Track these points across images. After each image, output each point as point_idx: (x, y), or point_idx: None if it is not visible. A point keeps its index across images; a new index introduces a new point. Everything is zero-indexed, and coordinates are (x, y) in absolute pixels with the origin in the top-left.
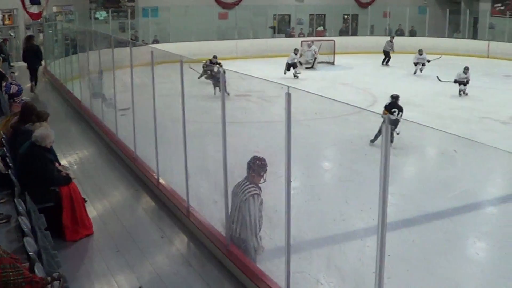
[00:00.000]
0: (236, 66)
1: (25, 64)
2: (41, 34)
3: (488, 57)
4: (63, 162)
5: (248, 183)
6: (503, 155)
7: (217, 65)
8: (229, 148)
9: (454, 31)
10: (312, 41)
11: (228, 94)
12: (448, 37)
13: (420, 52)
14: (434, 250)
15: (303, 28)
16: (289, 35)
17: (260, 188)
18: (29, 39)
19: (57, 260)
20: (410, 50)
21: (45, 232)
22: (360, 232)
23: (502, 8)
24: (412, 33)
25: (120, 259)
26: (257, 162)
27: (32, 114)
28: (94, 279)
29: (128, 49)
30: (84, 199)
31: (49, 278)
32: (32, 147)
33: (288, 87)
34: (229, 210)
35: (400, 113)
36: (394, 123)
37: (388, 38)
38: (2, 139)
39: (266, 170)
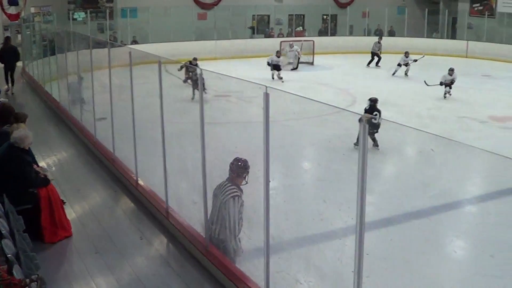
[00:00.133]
0: (215, 67)
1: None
2: (19, 35)
3: (466, 57)
4: (42, 163)
5: (229, 184)
6: (482, 154)
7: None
8: (207, 149)
9: (433, 31)
10: (292, 41)
11: (206, 92)
12: (427, 37)
13: (406, 54)
14: (412, 248)
15: (282, 28)
16: (268, 35)
17: (241, 190)
18: (7, 40)
19: (35, 262)
20: (389, 50)
21: (24, 234)
22: (339, 231)
23: (481, 8)
24: (391, 33)
25: (99, 260)
26: (239, 163)
27: (10, 115)
28: (73, 281)
29: (106, 50)
30: (62, 200)
31: (27, 280)
32: (10, 148)
33: (266, 87)
34: (209, 211)
35: (380, 116)
36: (377, 127)
37: (376, 39)
38: None
39: (248, 172)
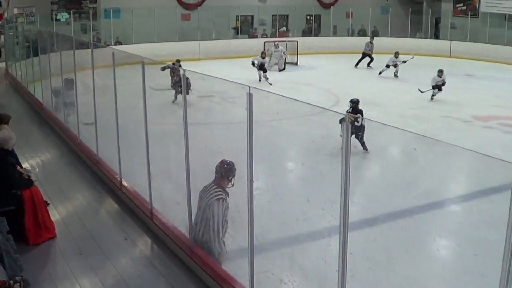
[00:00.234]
0: (199, 67)
1: None
2: (2, 36)
3: (450, 57)
4: (25, 165)
5: (215, 187)
6: (465, 153)
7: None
8: (191, 149)
9: (417, 31)
10: (277, 41)
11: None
12: (411, 37)
13: (396, 54)
14: (396, 248)
15: (266, 29)
16: (252, 36)
17: (227, 193)
18: None
19: (19, 264)
20: (372, 50)
21: (7, 235)
22: (323, 231)
23: (464, 8)
24: (375, 33)
25: (84, 262)
26: (225, 166)
27: None
28: (57, 282)
29: (89, 50)
30: (46, 202)
31: (11, 282)
32: None
33: (249, 87)
34: (194, 211)
35: (363, 118)
36: (362, 129)
37: (368, 39)
38: None
39: (235, 174)
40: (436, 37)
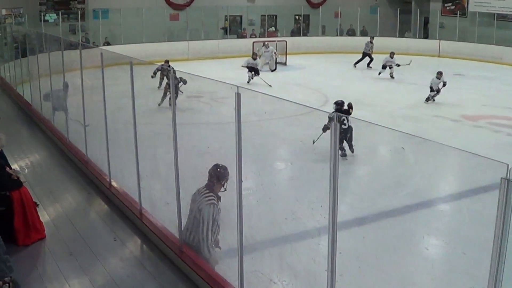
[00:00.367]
0: (187, 68)
1: None
2: None
3: (439, 56)
4: (14, 166)
5: (207, 191)
6: (454, 152)
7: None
8: (180, 150)
9: (405, 30)
10: (266, 41)
11: (181, 91)
12: (399, 36)
13: (391, 54)
14: (385, 247)
15: (255, 29)
16: (241, 36)
17: (218, 197)
18: None
19: (9, 265)
20: (361, 51)
21: None
22: (312, 230)
23: (453, 7)
24: (364, 33)
25: (73, 262)
26: (218, 170)
27: None
28: (46, 283)
29: (78, 51)
30: (35, 203)
31: (0, 283)
32: None
33: (238, 87)
34: (183, 212)
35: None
36: (350, 131)
37: (368, 38)
38: None
39: (227, 178)
40: (425, 36)
